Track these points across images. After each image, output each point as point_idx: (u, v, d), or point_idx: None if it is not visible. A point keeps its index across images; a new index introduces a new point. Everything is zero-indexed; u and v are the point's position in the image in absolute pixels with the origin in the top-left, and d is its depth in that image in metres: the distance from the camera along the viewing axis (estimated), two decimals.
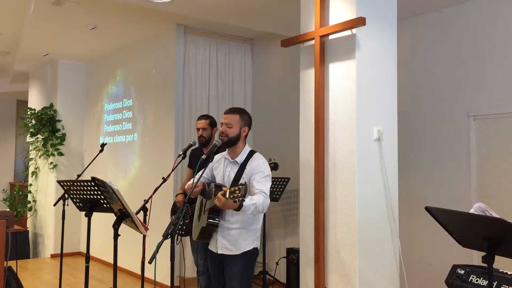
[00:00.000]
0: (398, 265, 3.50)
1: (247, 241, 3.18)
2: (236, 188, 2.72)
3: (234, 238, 3.17)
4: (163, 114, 6.02)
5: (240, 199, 2.72)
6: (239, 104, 6.23)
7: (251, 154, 3.26)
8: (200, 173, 3.26)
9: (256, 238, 3.24)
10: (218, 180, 3.32)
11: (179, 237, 4.40)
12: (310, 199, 3.60)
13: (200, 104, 6.06)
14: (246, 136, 3.30)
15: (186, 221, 4.30)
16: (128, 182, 6.72)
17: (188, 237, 4.45)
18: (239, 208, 2.88)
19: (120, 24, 5.93)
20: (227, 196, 2.73)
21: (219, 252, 3.21)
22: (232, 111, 3.31)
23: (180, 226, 4.35)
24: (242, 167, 3.21)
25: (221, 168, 3.33)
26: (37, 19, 5.70)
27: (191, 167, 4.45)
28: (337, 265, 3.41)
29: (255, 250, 3.22)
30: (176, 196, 4.43)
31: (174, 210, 4.54)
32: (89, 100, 8.02)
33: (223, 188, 2.91)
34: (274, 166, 5.07)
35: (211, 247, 3.30)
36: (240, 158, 3.24)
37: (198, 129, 4.31)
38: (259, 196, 3.03)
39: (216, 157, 3.38)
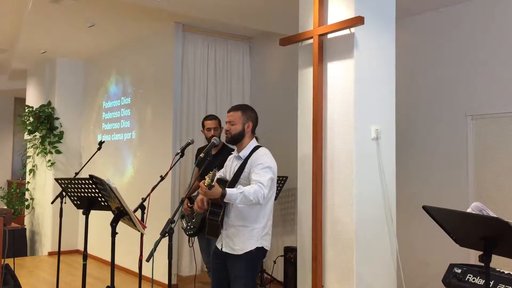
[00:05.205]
0: (396, 263, 3.51)
1: (250, 241, 3.10)
2: (210, 174, 2.77)
3: (236, 236, 3.12)
4: (161, 112, 6.02)
5: (211, 184, 2.75)
6: (237, 103, 6.22)
7: (255, 149, 3.26)
8: (196, 172, 3.26)
9: (262, 237, 3.14)
10: (227, 176, 3.35)
11: (191, 238, 4.37)
12: (308, 197, 3.60)
13: (198, 103, 6.06)
14: (252, 131, 3.29)
15: (193, 220, 4.30)
16: (126, 180, 6.71)
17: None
18: (222, 196, 2.87)
19: (118, 22, 5.92)
20: (206, 183, 2.77)
21: (224, 250, 3.19)
22: (234, 108, 3.32)
23: (189, 227, 4.35)
24: (245, 161, 3.21)
25: (230, 164, 3.36)
26: (35, 17, 5.68)
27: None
28: (334, 263, 3.41)
29: (259, 250, 3.12)
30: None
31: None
32: (87, 98, 8.00)
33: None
34: None
35: (217, 244, 3.27)
36: (244, 153, 3.25)
37: (209, 129, 4.39)
38: (252, 186, 2.98)
39: (230, 156, 3.41)
